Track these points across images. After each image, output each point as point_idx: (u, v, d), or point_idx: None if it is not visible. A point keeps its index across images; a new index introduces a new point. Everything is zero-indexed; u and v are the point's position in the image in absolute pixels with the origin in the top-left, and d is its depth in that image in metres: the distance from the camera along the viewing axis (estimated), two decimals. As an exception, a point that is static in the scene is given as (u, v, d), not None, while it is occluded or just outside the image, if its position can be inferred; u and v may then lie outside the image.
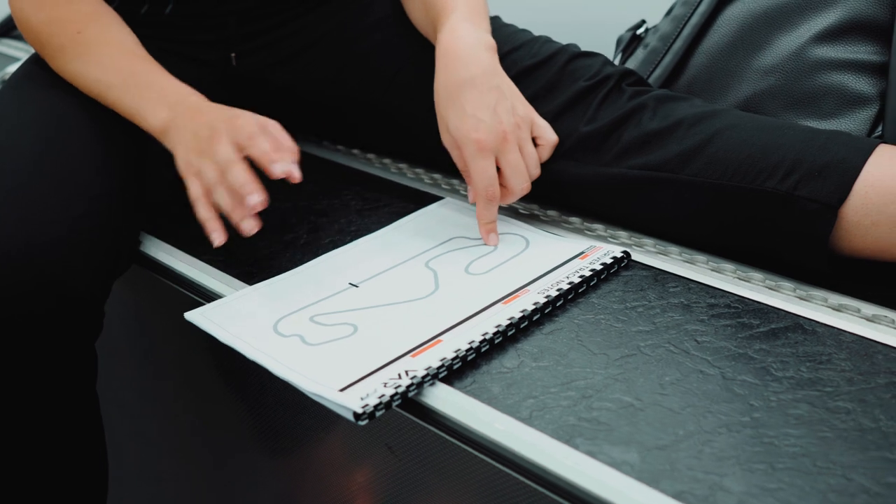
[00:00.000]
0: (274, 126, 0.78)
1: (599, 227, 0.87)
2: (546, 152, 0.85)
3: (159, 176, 0.88)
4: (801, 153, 0.74)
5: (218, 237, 0.76)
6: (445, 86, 0.82)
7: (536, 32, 0.97)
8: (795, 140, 0.76)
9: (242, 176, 0.74)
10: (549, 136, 0.84)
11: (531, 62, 0.90)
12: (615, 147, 0.83)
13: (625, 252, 0.80)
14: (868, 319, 0.71)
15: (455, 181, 0.98)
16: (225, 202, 0.75)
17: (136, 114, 0.85)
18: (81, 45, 0.88)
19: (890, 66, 0.81)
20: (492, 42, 0.84)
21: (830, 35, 0.85)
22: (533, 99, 0.87)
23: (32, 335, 0.75)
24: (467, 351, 0.67)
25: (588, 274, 0.77)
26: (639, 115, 0.83)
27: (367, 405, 0.62)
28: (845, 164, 0.72)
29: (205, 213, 0.77)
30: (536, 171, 0.83)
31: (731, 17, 0.93)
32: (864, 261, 0.76)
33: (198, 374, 0.91)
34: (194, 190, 0.78)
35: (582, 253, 0.81)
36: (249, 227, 0.75)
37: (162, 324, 0.93)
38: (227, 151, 0.75)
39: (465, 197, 0.95)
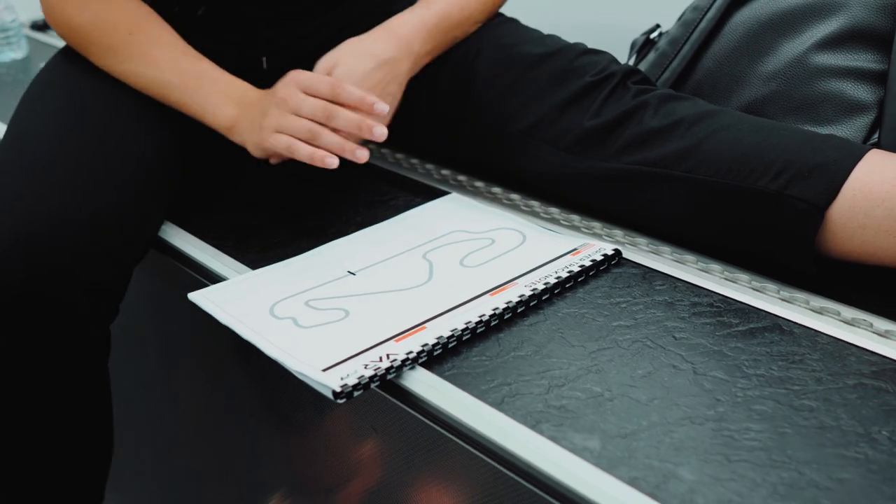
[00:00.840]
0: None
1: (597, 225, 0.89)
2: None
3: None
4: (794, 154, 0.75)
5: (334, 160, 0.82)
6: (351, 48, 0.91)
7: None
8: (790, 141, 0.77)
9: (353, 115, 0.83)
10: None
11: (540, 52, 0.93)
12: (616, 143, 0.85)
13: (616, 250, 0.82)
14: (847, 322, 0.72)
15: (463, 178, 1.01)
16: (334, 140, 0.82)
17: (203, 112, 0.91)
18: (135, 45, 0.92)
19: (889, 74, 0.82)
20: (393, 57, 0.91)
21: (832, 42, 0.85)
22: (539, 90, 0.90)
23: (48, 316, 0.79)
24: (448, 338, 0.70)
25: (576, 270, 0.79)
26: (641, 113, 0.85)
27: (345, 385, 0.65)
28: (836, 166, 0.73)
29: (308, 150, 0.83)
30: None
31: (738, 23, 0.94)
32: (852, 264, 0.76)
33: (204, 354, 0.95)
34: (283, 142, 0.84)
35: (574, 249, 0.83)
36: (365, 154, 0.83)
37: (171, 303, 0.97)
38: (312, 102, 0.83)
39: (471, 193, 0.98)
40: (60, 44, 1.72)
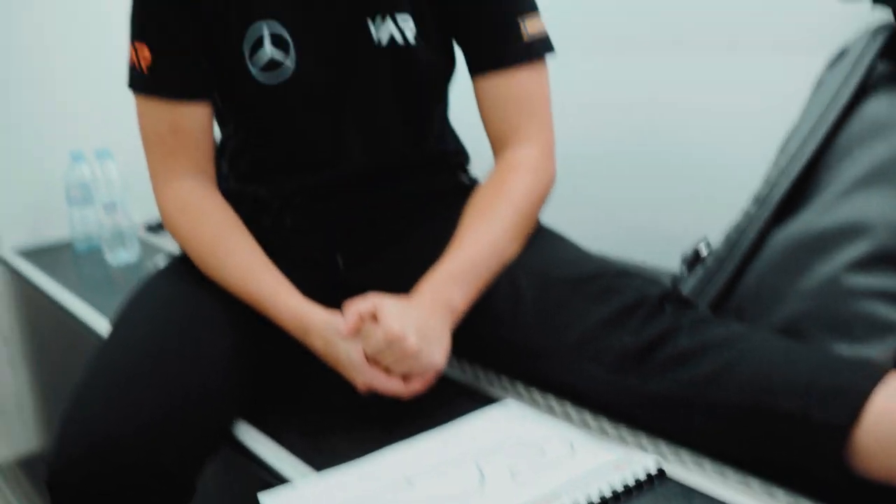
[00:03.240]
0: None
1: (644, 438, 0.93)
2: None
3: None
4: (815, 377, 0.80)
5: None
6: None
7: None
8: (811, 364, 0.82)
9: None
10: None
11: (578, 273, 1.01)
12: (652, 364, 0.90)
13: (659, 470, 0.86)
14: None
15: (521, 386, 1.07)
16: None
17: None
18: (218, 257, 1.06)
19: (917, 297, 0.86)
20: (426, 312, 0.98)
21: (862, 264, 0.90)
22: (582, 311, 0.97)
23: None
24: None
25: (620, 490, 0.83)
26: (675, 335, 0.90)
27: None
28: (855, 389, 0.77)
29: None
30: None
31: (777, 242, 1.00)
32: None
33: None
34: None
35: (618, 463, 0.87)
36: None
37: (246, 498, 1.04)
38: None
39: (527, 400, 1.04)
40: (171, 245, 1.90)
